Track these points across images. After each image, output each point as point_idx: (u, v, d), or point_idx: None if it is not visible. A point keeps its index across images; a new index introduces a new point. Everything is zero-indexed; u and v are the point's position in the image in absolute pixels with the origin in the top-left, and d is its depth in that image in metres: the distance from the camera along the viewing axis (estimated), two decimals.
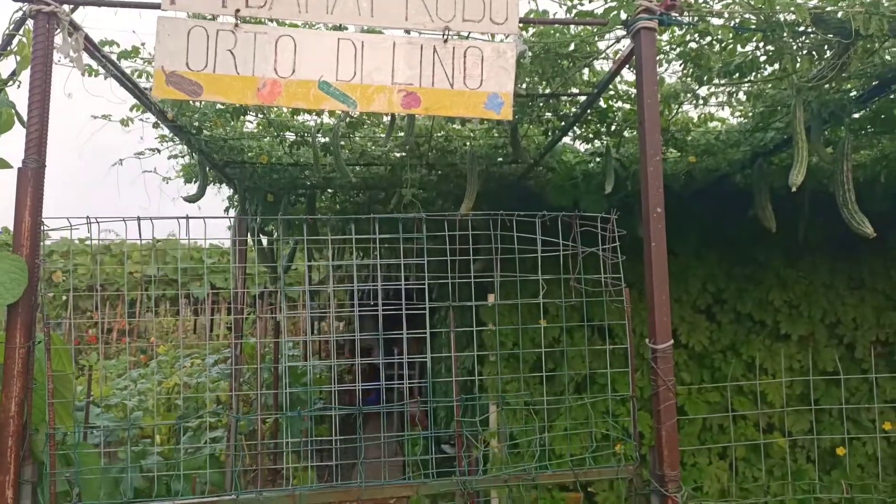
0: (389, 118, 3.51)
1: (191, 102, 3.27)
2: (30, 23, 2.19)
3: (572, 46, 2.81)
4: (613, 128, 3.70)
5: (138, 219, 2.13)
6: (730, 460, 4.51)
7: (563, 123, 3.61)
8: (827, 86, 2.81)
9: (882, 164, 3.73)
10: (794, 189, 2.68)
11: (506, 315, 4.50)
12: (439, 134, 4.03)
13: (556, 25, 2.78)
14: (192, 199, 3.76)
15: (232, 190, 5.10)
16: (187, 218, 2.26)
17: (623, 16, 2.43)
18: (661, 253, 2.27)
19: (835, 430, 4.47)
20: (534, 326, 4.25)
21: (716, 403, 4.53)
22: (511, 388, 4.47)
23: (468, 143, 4.10)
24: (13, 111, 2.24)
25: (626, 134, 3.80)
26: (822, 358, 4.54)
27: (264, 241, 5.52)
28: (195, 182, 4.21)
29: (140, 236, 2.21)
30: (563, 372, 4.36)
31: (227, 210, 5.33)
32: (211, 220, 2.75)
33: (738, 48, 2.72)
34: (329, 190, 5.39)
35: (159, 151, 3.74)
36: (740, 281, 4.71)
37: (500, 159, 4.33)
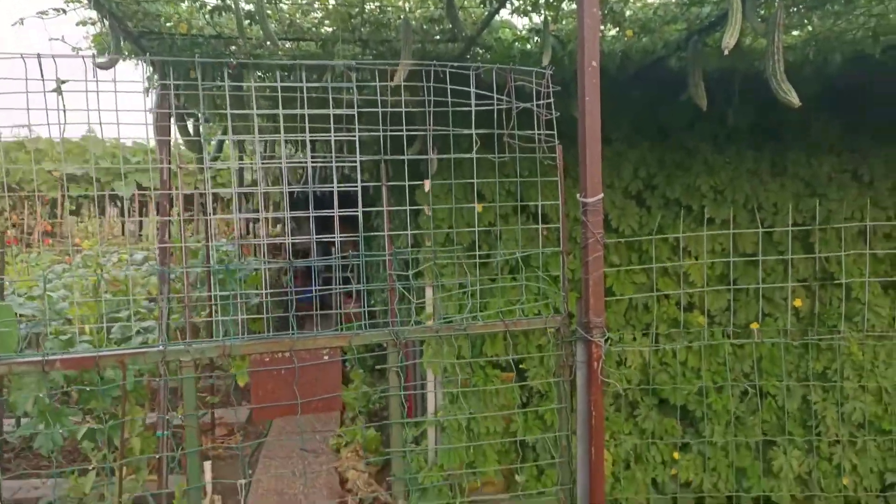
0: None
1: None
2: None
3: None
4: None
5: (38, 56, 1.95)
6: (652, 337, 4.75)
7: None
8: None
9: (811, 45, 3.79)
10: (726, 52, 2.69)
11: (441, 197, 4.49)
12: (373, 4, 3.83)
13: None
14: (104, 66, 3.50)
15: (151, 68, 4.78)
16: (96, 80, 2.09)
17: None
18: (595, 108, 2.25)
19: (750, 308, 4.74)
20: (469, 206, 4.26)
21: (642, 284, 4.71)
22: (446, 273, 4.51)
23: (402, 16, 3.93)
24: None
25: (564, 7, 3.71)
26: (743, 241, 4.74)
27: (189, 126, 5.25)
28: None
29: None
30: (497, 253, 4.43)
31: (146, 90, 5.00)
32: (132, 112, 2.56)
33: None
34: (258, 73, 5.13)
35: (65, 12, 3.42)
36: (670, 167, 4.80)
37: (438, 37, 4.19)
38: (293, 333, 2.09)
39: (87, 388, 4.13)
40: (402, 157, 2.19)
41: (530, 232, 4.47)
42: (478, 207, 4.57)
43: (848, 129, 4.79)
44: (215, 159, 5.75)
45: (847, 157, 4.74)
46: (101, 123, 2.33)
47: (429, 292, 4.53)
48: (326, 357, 2.11)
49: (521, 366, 4.75)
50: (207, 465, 4.97)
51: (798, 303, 4.66)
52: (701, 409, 4.69)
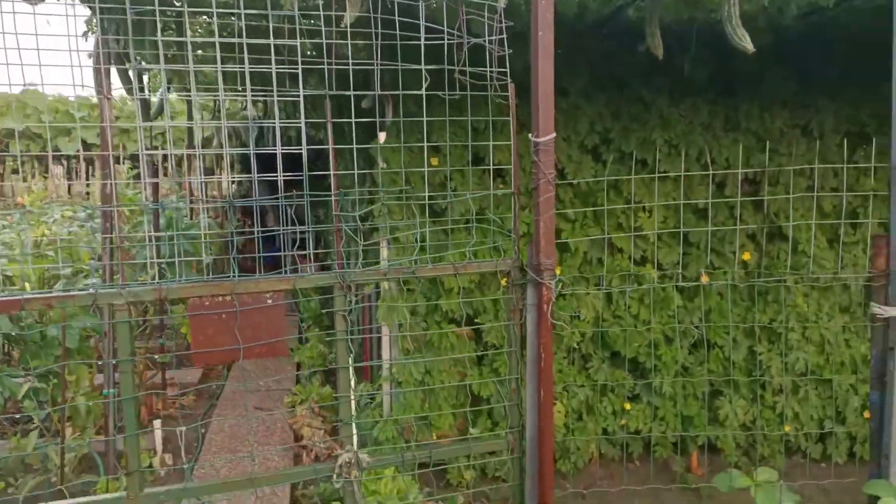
0: None
1: None
2: None
3: None
4: None
5: None
6: (606, 290, 4.78)
7: None
8: None
9: None
10: None
11: (394, 155, 4.39)
12: None
13: None
14: (33, 1, 3.26)
15: (90, 11, 4.51)
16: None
17: None
18: (548, 44, 2.18)
19: (700, 261, 4.80)
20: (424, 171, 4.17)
21: (596, 237, 4.71)
22: (396, 217, 4.43)
23: None
24: None
25: None
26: (695, 195, 4.78)
27: (132, 76, 5.00)
28: None
29: None
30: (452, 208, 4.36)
31: (85, 35, 4.74)
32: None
33: None
34: (203, 17, 4.91)
35: None
36: (626, 121, 4.78)
37: None
38: (234, 276, 2.00)
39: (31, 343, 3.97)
40: (347, 93, 2.08)
41: (485, 183, 4.41)
42: (432, 161, 4.49)
43: (800, 84, 4.82)
44: (157, 116, 5.51)
45: (799, 111, 4.78)
46: (20, 64, 2.16)
47: (383, 250, 4.45)
48: (270, 301, 2.03)
49: (476, 320, 4.75)
50: (157, 423, 4.87)
51: (746, 256, 4.74)
52: (651, 361, 4.76)
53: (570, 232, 4.66)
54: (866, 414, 4.81)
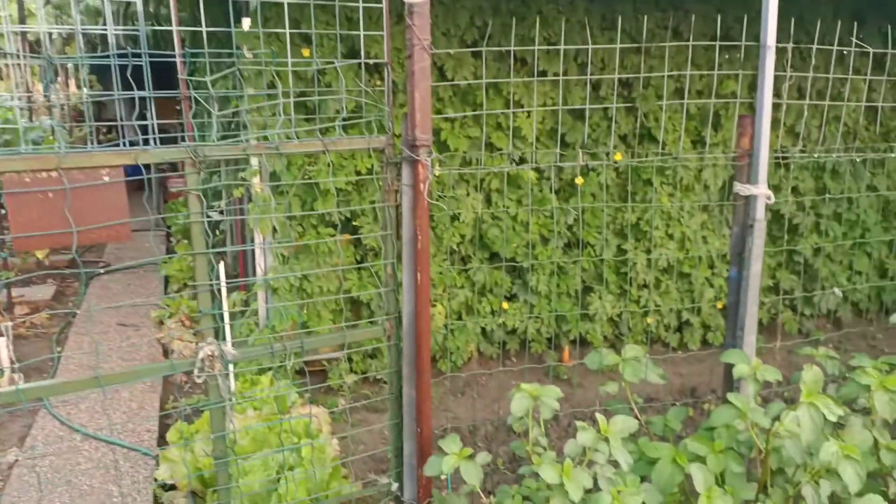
0: None
1: None
2: None
3: None
4: None
5: None
6: (485, 192, 4.74)
7: None
8: None
9: None
10: None
11: (265, 45, 4.01)
12: None
13: None
14: None
15: None
16: None
17: None
18: None
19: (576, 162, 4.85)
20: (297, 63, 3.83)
21: (475, 138, 4.62)
22: (272, 124, 4.11)
23: None
24: None
25: None
26: (572, 96, 4.77)
27: None
28: None
29: None
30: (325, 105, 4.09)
31: None
32: None
33: None
34: None
35: None
36: (506, 17, 4.62)
37: None
38: (60, 148, 1.70)
39: None
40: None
41: (359, 80, 4.15)
42: (303, 52, 4.14)
43: None
44: None
45: (670, 13, 4.82)
46: None
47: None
48: (107, 178, 1.75)
49: (354, 223, 4.58)
50: (2, 341, 4.40)
51: (618, 157, 4.84)
52: (528, 261, 4.84)
53: (450, 132, 4.54)
54: (719, 304, 5.19)
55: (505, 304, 4.89)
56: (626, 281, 5.05)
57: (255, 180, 4.45)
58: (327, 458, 3.04)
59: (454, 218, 4.66)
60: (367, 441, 4.14)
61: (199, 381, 1.95)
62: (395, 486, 2.28)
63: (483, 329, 4.91)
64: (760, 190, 2.33)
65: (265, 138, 2.28)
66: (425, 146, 2.02)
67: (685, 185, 5.02)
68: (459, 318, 4.85)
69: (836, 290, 2.85)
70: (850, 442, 2.07)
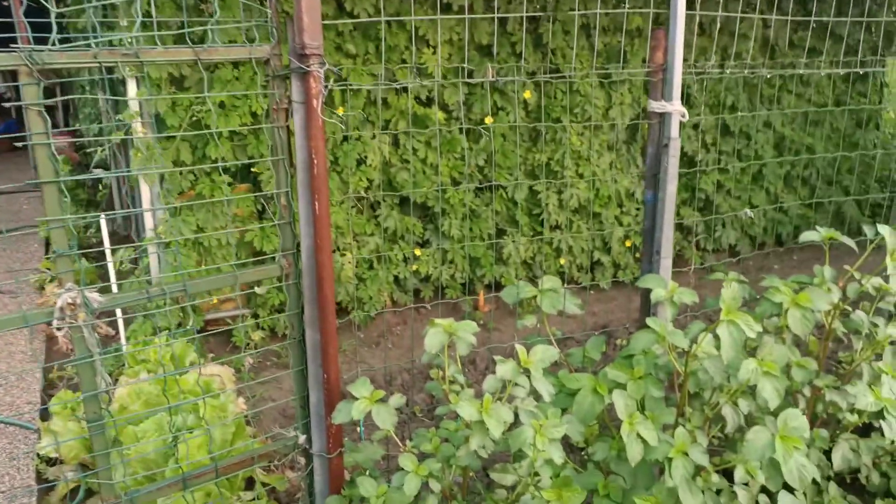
0: None
1: None
2: None
3: None
4: None
5: None
6: (392, 133, 4.50)
7: None
8: None
9: None
10: None
11: None
12: None
13: None
14: None
15: None
16: None
17: None
18: None
19: (484, 102, 4.67)
20: None
21: (379, 76, 4.34)
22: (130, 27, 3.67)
23: None
24: None
25: None
26: (479, 32, 4.55)
27: None
28: None
29: None
30: None
31: None
32: None
33: None
34: None
35: None
36: None
37: None
38: None
39: None
40: None
41: None
42: None
43: None
44: None
45: None
46: None
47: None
48: None
49: (252, 170, 4.23)
50: None
51: (527, 94, 4.69)
52: (440, 205, 4.66)
53: (352, 69, 4.23)
54: (627, 242, 5.21)
55: (417, 251, 4.70)
56: (539, 223, 4.97)
57: (136, 124, 4.01)
58: (229, 417, 2.79)
59: (360, 161, 4.39)
60: (278, 399, 3.90)
61: (59, 333, 1.65)
62: (301, 438, 2.07)
63: (396, 277, 4.72)
64: (675, 107, 2.22)
65: (120, 42, 1.95)
66: (316, 55, 1.76)
67: (594, 123, 4.95)
68: (371, 267, 4.63)
69: (748, 210, 2.83)
70: (767, 360, 2.03)
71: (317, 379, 2.01)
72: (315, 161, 1.82)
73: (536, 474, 1.94)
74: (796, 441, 1.85)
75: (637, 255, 5.26)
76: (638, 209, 5.21)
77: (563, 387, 2.28)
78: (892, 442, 2.36)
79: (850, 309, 2.50)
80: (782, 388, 1.96)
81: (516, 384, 1.96)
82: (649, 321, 2.18)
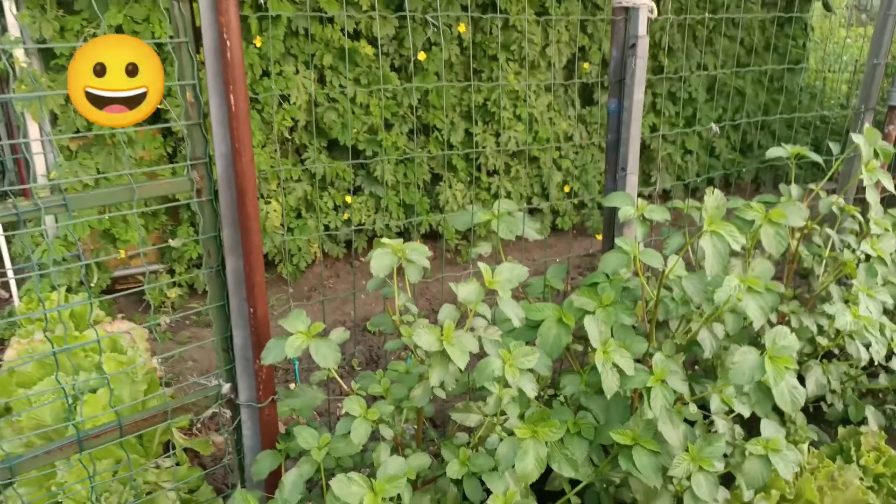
0: None
1: None
2: None
3: None
4: None
5: None
6: (317, 69, 4.08)
7: None
8: None
9: None
10: None
11: None
12: None
13: None
14: None
15: None
16: None
17: None
18: None
19: (417, 36, 4.30)
20: None
21: (301, 3, 3.89)
22: None
23: None
24: None
25: None
26: None
27: None
28: None
29: None
30: None
31: None
32: None
33: None
34: None
35: None
36: None
37: None
38: None
39: None
40: None
41: None
42: None
43: None
44: None
45: None
46: None
47: None
48: None
49: (159, 106, 3.72)
50: None
51: (462, 28, 4.36)
52: (371, 149, 4.29)
53: None
54: (566, 188, 5.02)
55: (349, 198, 4.34)
56: (476, 167, 4.69)
57: (18, 52, 3.43)
58: (139, 375, 2.40)
59: (284, 99, 3.96)
60: (200, 359, 3.50)
61: None
62: (225, 387, 1.72)
63: (327, 227, 4.34)
64: (642, 0, 1.95)
65: None
66: None
67: (531, 61, 4.68)
68: (299, 216, 4.23)
69: (714, 125, 2.63)
70: (750, 276, 1.83)
71: (241, 314, 1.67)
72: (228, 42, 1.45)
73: (503, 413, 1.67)
74: (787, 361, 1.66)
75: (576, 201, 5.08)
76: (577, 152, 5.01)
77: (525, 319, 2.02)
78: (862, 365, 2.23)
79: (818, 228, 2.35)
80: (767, 305, 1.77)
81: (477, 314, 1.68)
82: (619, 241, 1.94)
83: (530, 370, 1.58)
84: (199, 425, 2.83)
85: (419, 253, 1.70)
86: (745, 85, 5.55)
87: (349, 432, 1.59)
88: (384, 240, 1.65)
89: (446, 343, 1.50)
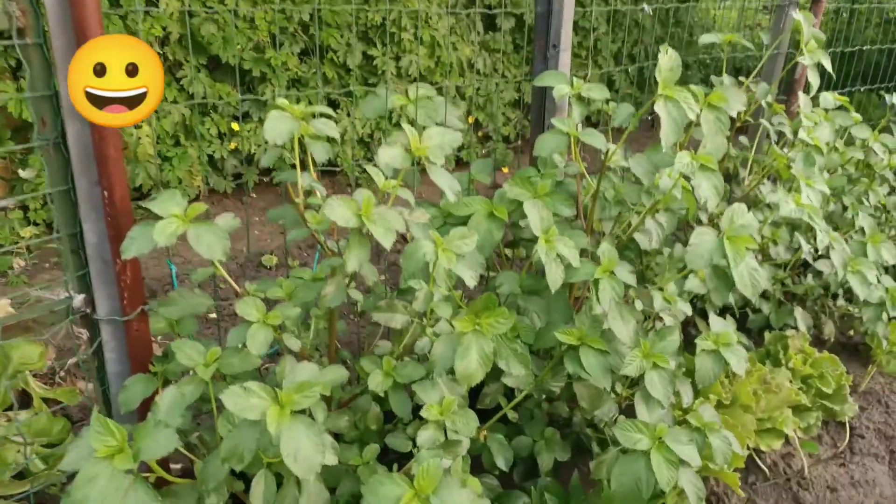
0: None
1: None
2: None
3: None
4: None
5: None
6: None
7: None
8: None
9: None
10: None
11: None
12: None
13: None
14: None
15: None
16: None
17: None
18: None
19: None
20: None
21: None
22: None
23: None
24: None
25: None
26: None
27: None
28: None
29: None
30: None
31: None
32: None
33: None
34: None
35: None
36: None
37: None
38: None
39: None
40: None
41: None
42: None
43: None
44: None
45: None
46: None
47: None
48: None
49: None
50: None
51: None
52: (259, 69, 3.80)
53: None
54: (470, 119, 4.74)
55: (235, 125, 3.84)
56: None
57: None
58: None
59: (151, 3, 3.39)
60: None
61: None
62: (77, 298, 1.31)
63: (211, 157, 3.83)
64: None
65: None
66: None
67: None
68: (177, 144, 3.70)
69: (646, 6, 2.42)
70: (702, 153, 1.63)
71: (92, 201, 1.25)
72: None
73: (432, 312, 1.38)
74: (747, 240, 1.48)
75: (480, 133, 4.83)
76: (480, 80, 4.73)
77: (448, 216, 1.74)
78: (801, 258, 2.13)
79: (751, 119, 2.20)
80: (721, 184, 1.58)
81: (403, 184, 1.36)
82: (555, 121, 1.68)
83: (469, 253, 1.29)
84: (62, 372, 2.36)
85: (325, 123, 1.35)
86: (643, 17, 5.47)
87: (244, 345, 1.25)
88: (281, 100, 1.28)
89: (366, 218, 1.17)
